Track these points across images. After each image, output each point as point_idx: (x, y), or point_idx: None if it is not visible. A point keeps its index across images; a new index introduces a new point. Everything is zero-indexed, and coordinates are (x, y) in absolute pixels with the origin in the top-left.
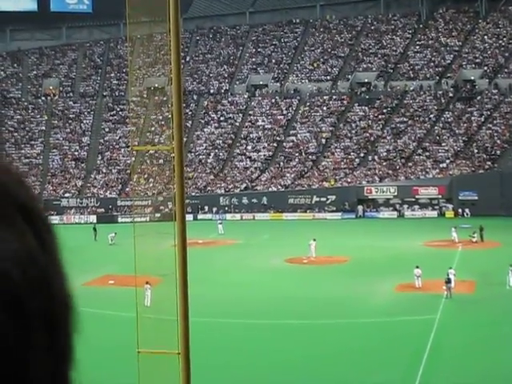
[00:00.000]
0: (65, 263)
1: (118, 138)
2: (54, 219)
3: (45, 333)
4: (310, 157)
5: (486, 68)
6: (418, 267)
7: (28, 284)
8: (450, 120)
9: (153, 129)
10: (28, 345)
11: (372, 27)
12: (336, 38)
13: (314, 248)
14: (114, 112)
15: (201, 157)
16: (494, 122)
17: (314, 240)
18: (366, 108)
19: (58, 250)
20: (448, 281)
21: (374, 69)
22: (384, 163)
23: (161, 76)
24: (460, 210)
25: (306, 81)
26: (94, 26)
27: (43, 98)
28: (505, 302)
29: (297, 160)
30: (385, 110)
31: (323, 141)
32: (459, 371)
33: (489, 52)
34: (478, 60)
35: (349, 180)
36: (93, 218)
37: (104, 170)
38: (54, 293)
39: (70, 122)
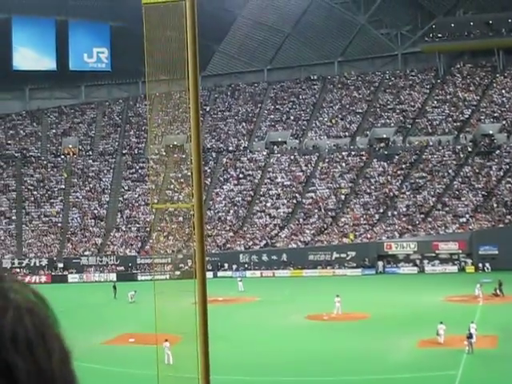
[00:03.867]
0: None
1: (137, 195)
2: (74, 277)
3: None
4: (329, 213)
5: (504, 122)
6: (441, 323)
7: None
8: (469, 174)
9: (172, 186)
10: None
11: (390, 83)
12: (354, 94)
13: (339, 304)
14: (134, 170)
15: (220, 214)
16: None
17: (338, 296)
18: (385, 164)
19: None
20: (470, 336)
21: (392, 124)
22: (404, 219)
23: (180, 134)
24: (480, 265)
25: (325, 137)
26: (112, 84)
27: (62, 157)
28: None
29: (316, 216)
30: (404, 166)
31: (342, 197)
32: None
33: (507, 106)
34: (496, 114)
35: (368, 236)
36: (112, 276)
37: (123, 228)
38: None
39: (89, 180)
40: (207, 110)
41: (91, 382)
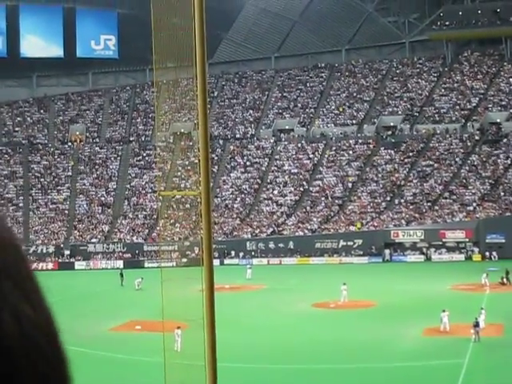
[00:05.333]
0: (55, 319)
1: (144, 183)
2: (81, 265)
3: None
4: (336, 201)
5: (511, 110)
6: (444, 311)
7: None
8: (476, 163)
9: (179, 174)
10: None
11: (397, 71)
12: (361, 82)
13: (345, 292)
14: (141, 157)
15: (227, 202)
16: None
17: (345, 284)
18: (392, 152)
19: (45, 306)
20: (476, 324)
21: (399, 112)
22: (411, 207)
23: (187, 121)
24: (487, 253)
25: (332, 125)
26: (120, 71)
27: (70, 144)
28: None
29: (323, 204)
30: (411, 154)
31: (349, 185)
32: None
33: None
34: (503, 102)
35: (375, 224)
36: (119, 263)
37: (130, 216)
38: (45, 348)
39: (96, 167)
40: (214, 96)
41: (97, 369)
